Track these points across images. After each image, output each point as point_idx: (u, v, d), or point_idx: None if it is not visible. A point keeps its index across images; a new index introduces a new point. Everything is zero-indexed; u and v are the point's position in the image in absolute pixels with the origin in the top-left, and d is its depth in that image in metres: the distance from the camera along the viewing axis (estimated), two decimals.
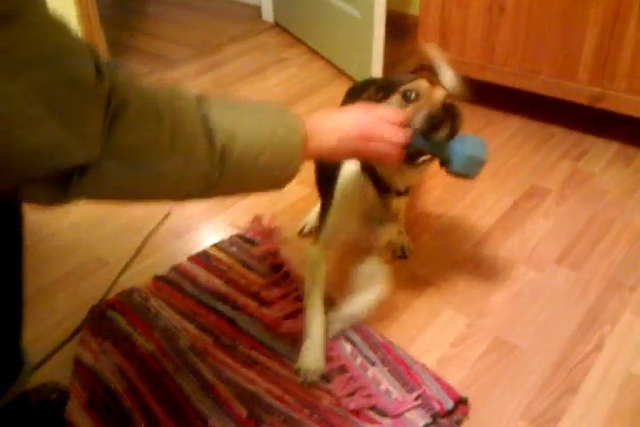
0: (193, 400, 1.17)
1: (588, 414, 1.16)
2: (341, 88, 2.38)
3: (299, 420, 1.12)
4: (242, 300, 1.38)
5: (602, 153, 1.94)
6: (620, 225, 1.64)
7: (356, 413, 1.13)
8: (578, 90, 1.90)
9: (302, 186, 1.78)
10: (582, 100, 1.91)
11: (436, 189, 1.78)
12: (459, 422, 1.14)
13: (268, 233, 1.60)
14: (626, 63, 1.78)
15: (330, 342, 1.26)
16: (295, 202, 1.74)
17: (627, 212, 1.68)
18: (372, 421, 1.12)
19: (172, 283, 1.44)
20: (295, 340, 1.27)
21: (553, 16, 1.84)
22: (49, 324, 1.37)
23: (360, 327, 1.30)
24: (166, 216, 1.70)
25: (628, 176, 1.83)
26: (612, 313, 1.38)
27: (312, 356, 1.20)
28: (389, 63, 2.36)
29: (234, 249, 1.56)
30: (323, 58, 2.58)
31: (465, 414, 1.15)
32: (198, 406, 1.16)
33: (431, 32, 2.11)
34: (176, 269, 1.48)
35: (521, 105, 2.17)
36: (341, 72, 2.47)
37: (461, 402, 1.16)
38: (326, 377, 1.20)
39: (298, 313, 1.33)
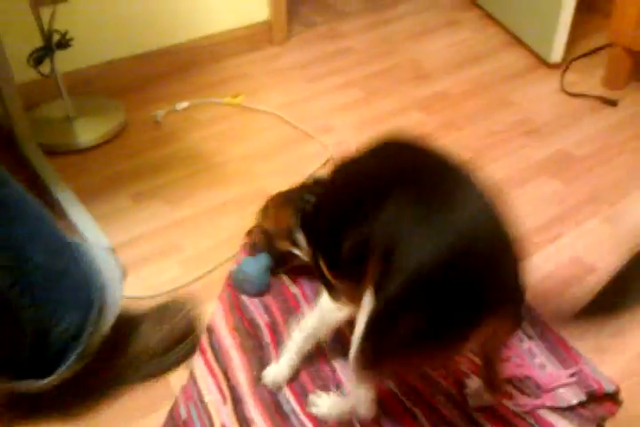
0: (324, 346, 1.18)
1: None
2: (513, 57, 2.29)
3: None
4: None
5: None
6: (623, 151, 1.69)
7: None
8: None
9: None
10: None
11: None
12: (603, 418, 1.07)
13: None
14: None
15: None
16: None
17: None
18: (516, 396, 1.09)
19: None
20: None
21: None
22: (214, 242, 1.46)
23: None
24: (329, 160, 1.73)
25: None
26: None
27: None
28: (574, 37, 2.21)
29: None
30: (499, 23, 2.46)
31: (613, 412, 1.08)
32: (328, 351, 1.17)
33: (630, 9, 1.93)
34: None
35: None
36: (517, 40, 2.35)
37: (612, 398, 1.09)
38: None
39: None
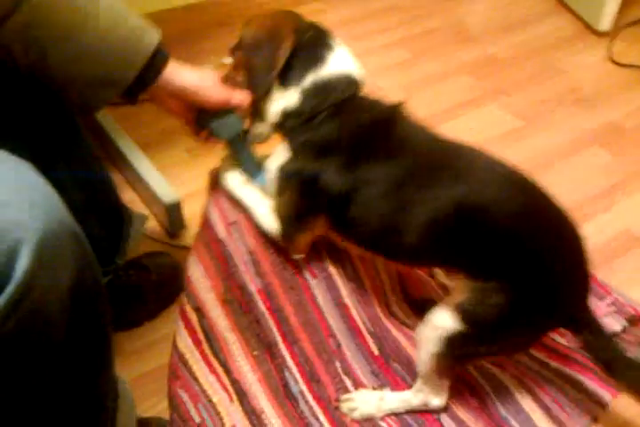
0: (325, 314, 1.09)
1: None
2: (560, 23, 2.24)
3: None
4: None
5: None
6: None
7: None
8: None
9: None
10: None
11: None
12: None
13: None
14: None
15: None
16: None
17: None
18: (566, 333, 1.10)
19: None
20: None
21: None
22: None
23: None
24: None
25: None
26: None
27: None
28: (623, 4, 2.17)
29: None
30: None
31: None
32: (330, 321, 1.09)
33: None
34: None
35: None
36: (564, 5, 2.31)
37: None
38: None
39: None
